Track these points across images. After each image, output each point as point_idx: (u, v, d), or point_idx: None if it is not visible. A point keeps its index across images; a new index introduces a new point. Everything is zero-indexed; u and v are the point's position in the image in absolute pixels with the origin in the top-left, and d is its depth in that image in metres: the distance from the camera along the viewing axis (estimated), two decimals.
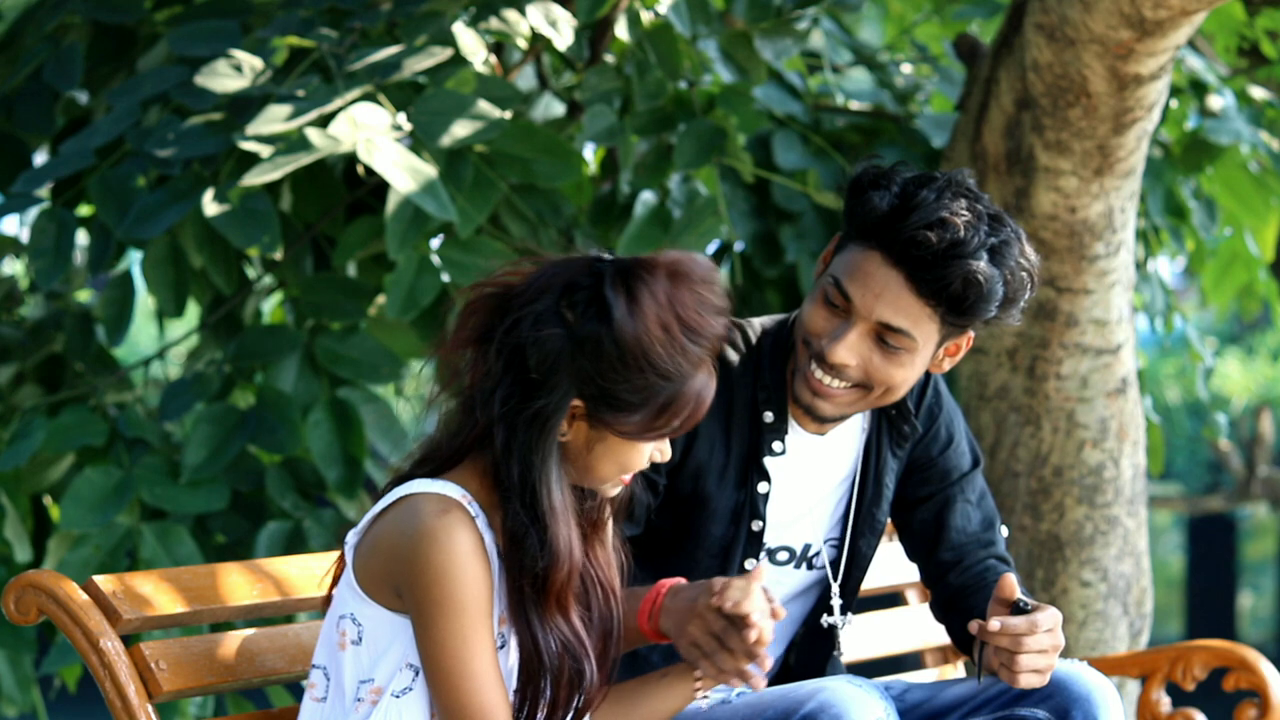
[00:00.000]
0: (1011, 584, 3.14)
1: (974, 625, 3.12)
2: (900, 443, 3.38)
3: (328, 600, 2.94)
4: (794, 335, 3.28)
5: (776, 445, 3.29)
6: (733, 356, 3.29)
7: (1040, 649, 3.11)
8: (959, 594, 3.41)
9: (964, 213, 3.13)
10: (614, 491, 2.90)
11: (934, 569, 3.45)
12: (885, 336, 3.18)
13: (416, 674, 2.82)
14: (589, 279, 2.79)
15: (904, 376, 3.21)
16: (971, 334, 3.26)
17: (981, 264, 3.13)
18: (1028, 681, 3.11)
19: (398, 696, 2.82)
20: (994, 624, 3.10)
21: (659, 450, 2.87)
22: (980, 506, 3.47)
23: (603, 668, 2.92)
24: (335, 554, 2.95)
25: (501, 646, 2.85)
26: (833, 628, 3.41)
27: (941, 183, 3.16)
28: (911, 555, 3.50)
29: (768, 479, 3.30)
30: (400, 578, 2.79)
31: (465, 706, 2.77)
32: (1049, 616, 3.12)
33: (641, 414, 2.79)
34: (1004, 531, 3.50)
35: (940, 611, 3.46)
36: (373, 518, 2.86)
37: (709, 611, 2.91)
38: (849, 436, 3.37)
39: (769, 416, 3.29)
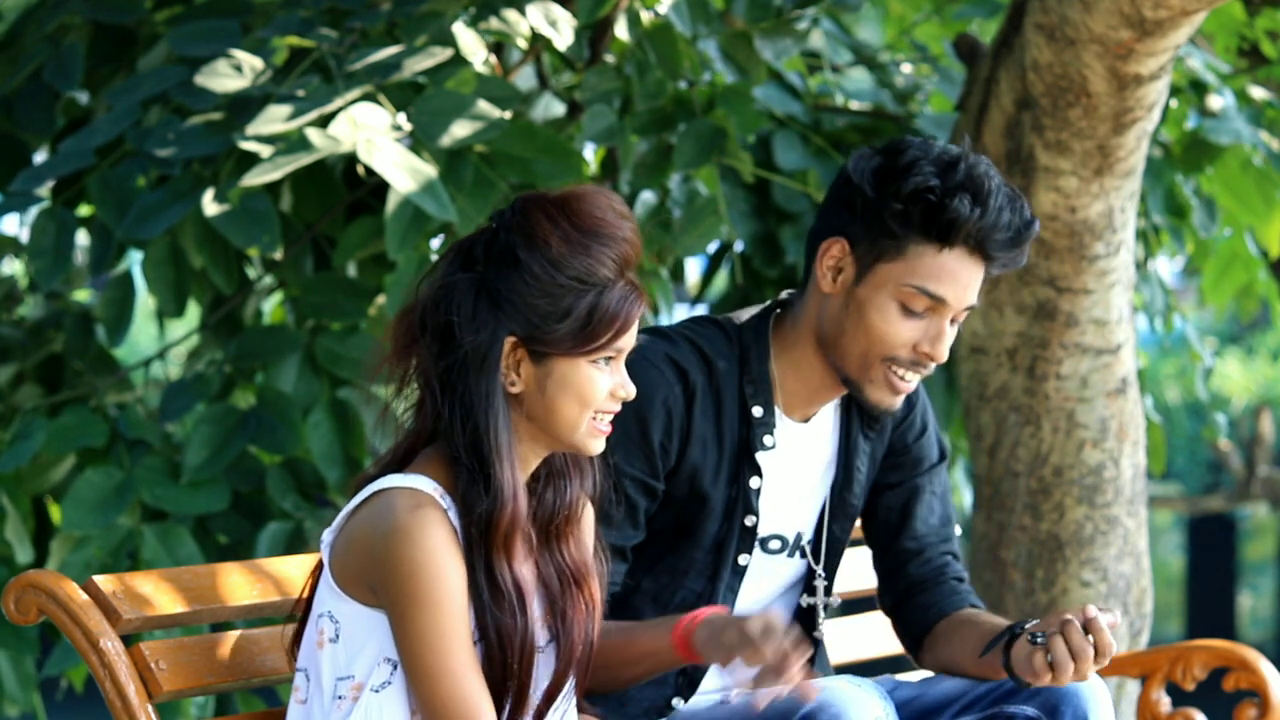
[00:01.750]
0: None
1: (1091, 609, 3.13)
2: (871, 425, 3.40)
3: (304, 604, 2.94)
4: (847, 359, 3.26)
5: (767, 439, 3.30)
6: (715, 354, 3.30)
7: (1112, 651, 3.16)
8: (917, 585, 3.43)
9: (998, 176, 3.22)
10: (595, 445, 2.88)
11: (893, 557, 3.46)
12: (957, 317, 3.25)
13: (394, 668, 2.82)
14: (484, 234, 2.87)
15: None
16: None
17: (1034, 218, 3.24)
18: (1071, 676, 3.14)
19: (377, 691, 2.82)
20: (1103, 617, 3.13)
21: (621, 387, 2.88)
22: (942, 501, 3.49)
23: (579, 671, 2.92)
24: None
25: (479, 640, 2.84)
26: (812, 608, 3.42)
27: (971, 159, 3.21)
28: (870, 540, 3.51)
29: (759, 474, 3.31)
30: (375, 574, 2.79)
31: (445, 702, 2.77)
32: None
33: (569, 324, 2.82)
34: (958, 530, 3.52)
35: (892, 600, 3.47)
36: (347, 514, 2.86)
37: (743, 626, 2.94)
38: (827, 422, 3.38)
39: (758, 411, 3.30)
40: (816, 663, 3.45)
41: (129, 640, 3.01)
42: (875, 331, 3.23)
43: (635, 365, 3.16)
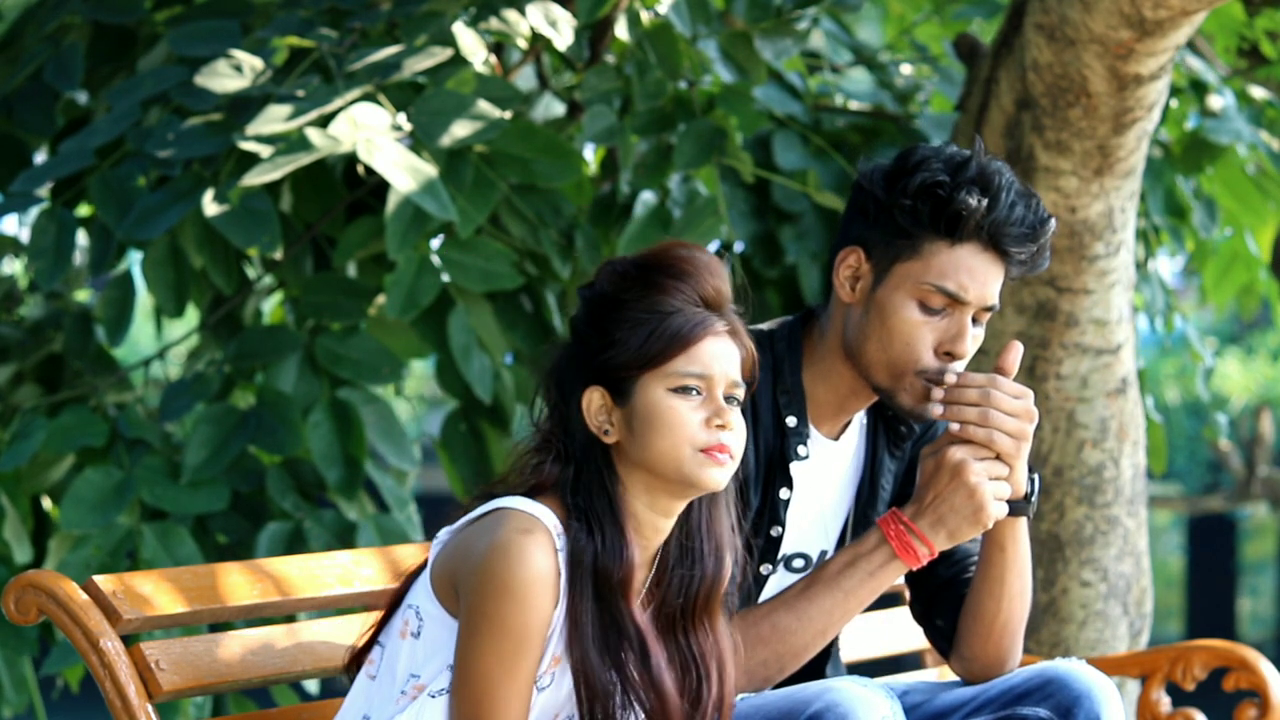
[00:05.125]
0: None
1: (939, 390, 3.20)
2: (897, 443, 3.39)
3: (395, 595, 2.93)
4: (874, 368, 3.25)
5: (801, 449, 3.30)
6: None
7: (1011, 411, 3.17)
8: (948, 584, 3.41)
9: (1011, 174, 3.23)
10: (709, 477, 2.84)
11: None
12: (979, 317, 3.25)
13: None
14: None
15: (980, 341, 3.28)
16: None
17: (1049, 216, 3.26)
18: (1001, 443, 3.17)
19: (434, 697, 2.82)
20: (951, 376, 3.19)
21: (717, 415, 2.86)
22: None
23: None
24: (335, 554, 2.95)
25: (545, 686, 2.83)
26: None
27: (983, 158, 3.22)
28: None
29: (790, 485, 3.30)
30: (463, 579, 2.79)
31: None
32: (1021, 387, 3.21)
33: (632, 344, 2.84)
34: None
35: (921, 606, 3.45)
36: (467, 521, 2.86)
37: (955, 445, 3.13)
38: (854, 440, 3.38)
39: (792, 421, 3.29)
40: (830, 665, 3.46)
41: (129, 640, 3.01)
42: (897, 333, 3.22)
43: None
